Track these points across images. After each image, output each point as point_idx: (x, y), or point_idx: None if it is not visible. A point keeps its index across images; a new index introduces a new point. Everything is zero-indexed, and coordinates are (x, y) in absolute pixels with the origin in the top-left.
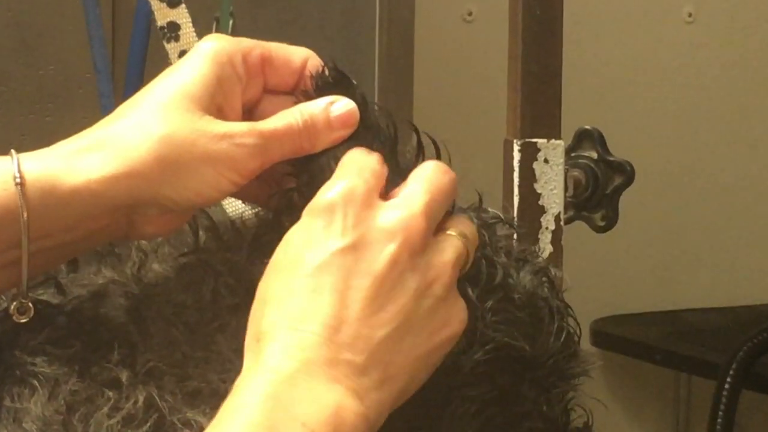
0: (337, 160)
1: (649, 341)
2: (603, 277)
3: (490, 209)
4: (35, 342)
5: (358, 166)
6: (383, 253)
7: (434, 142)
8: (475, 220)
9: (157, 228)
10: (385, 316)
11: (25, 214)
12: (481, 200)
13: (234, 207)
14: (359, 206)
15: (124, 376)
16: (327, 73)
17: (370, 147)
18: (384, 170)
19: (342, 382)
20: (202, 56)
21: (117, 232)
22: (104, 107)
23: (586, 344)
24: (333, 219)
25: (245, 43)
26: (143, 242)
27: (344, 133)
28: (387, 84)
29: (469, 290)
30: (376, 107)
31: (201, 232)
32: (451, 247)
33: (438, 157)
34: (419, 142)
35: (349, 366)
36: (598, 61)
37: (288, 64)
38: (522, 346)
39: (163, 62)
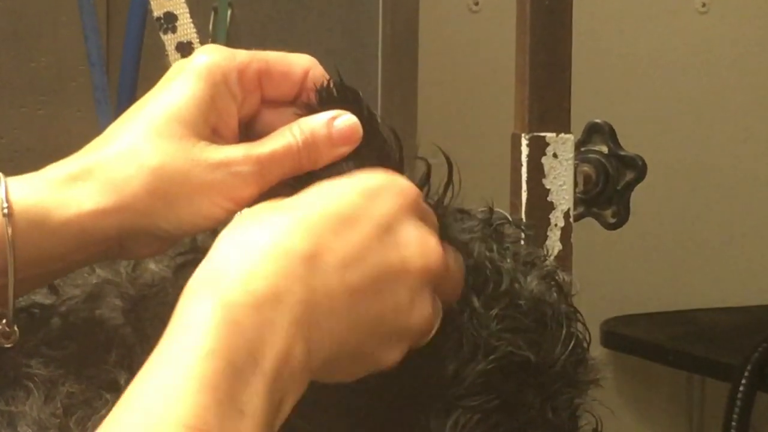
0: (340, 176)
1: (661, 342)
2: (614, 276)
3: (497, 210)
4: (30, 344)
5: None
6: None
7: (447, 159)
8: (480, 216)
9: (150, 251)
10: (369, 299)
11: (12, 246)
12: (492, 208)
13: None
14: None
15: (123, 378)
16: (331, 85)
17: (375, 164)
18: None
19: (302, 325)
20: (195, 75)
21: (108, 256)
22: (98, 100)
23: (596, 345)
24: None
25: (240, 57)
26: None
27: (347, 149)
28: (390, 77)
29: (474, 299)
30: (382, 124)
31: None
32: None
33: (450, 173)
34: (428, 174)
35: (312, 311)
36: (608, 53)
37: (287, 75)
38: (526, 354)
39: (159, 54)
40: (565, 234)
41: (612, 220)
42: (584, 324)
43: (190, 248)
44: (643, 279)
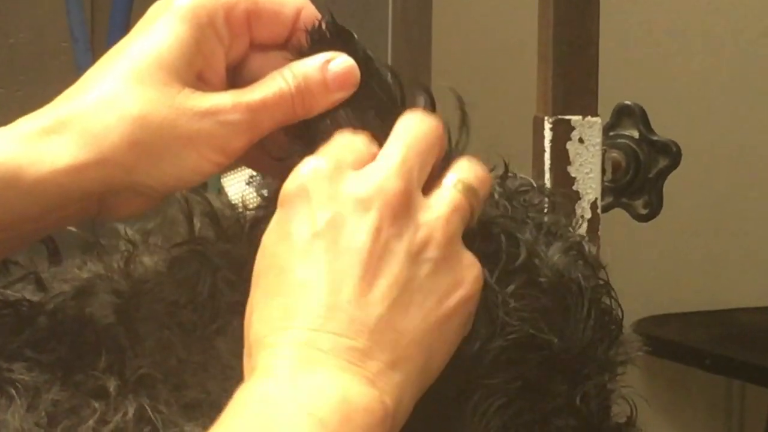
0: (337, 123)
1: (698, 344)
2: (645, 272)
3: (521, 176)
4: (13, 345)
5: (331, 145)
6: (362, 226)
7: (459, 100)
8: (498, 189)
9: (132, 210)
10: (379, 292)
11: None
12: (507, 167)
13: (234, 189)
14: (326, 183)
15: (112, 384)
16: (323, 26)
17: (375, 110)
18: (368, 147)
19: (347, 370)
20: (178, 16)
21: (88, 215)
22: None
23: None
24: (300, 205)
25: None
26: (131, 232)
27: (343, 94)
28: (401, 53)
29: (487, 272)
30: (381, 66)
31: (196, 220)
32: (441, 200)
33: (463, 124)
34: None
35: (352, 352)
36: (639, 28)
37: (278, 16)
38: (548, 337)
39: None
40: (592, 226)
41: (643, 211)
42: (617, 300)
43: (186, 239)
44: (677, 275)
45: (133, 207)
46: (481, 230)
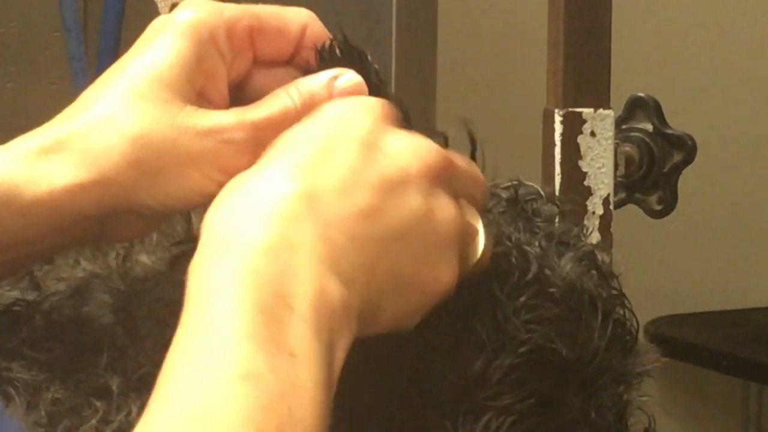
0: None
1: (714, 345)
2: (659, 271)
3: (527, 183)
4: (11, 344)
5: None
6: (399, 159)
7: (470, 134)
8: (504, 194)
9: (133, 232)
10: (384, 215)
11: None
12: (519, 182)
13: None
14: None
15: (115, 383)
16: (334, 45)
17: None
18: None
19: (325, 262)
20: (179, 32)
21: (87, 239)
22: (75, 72)
23: None
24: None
25: (229, 12)
26: None
27: None
28: (406, 44)
29: (496, 288)
30: (390, 92)
31: (194, 217)
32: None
33: (473, 149)
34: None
35: (332, 245)
36: (654, 16)
37: (282, 33)
38: (559, 348)
39: (143, 19)
40: (604, 223)
41: (657, 207)
42: (631, 310)
43: (185, 237)
44: (692, 274)
45: (135, 230)
46: (497, 254)
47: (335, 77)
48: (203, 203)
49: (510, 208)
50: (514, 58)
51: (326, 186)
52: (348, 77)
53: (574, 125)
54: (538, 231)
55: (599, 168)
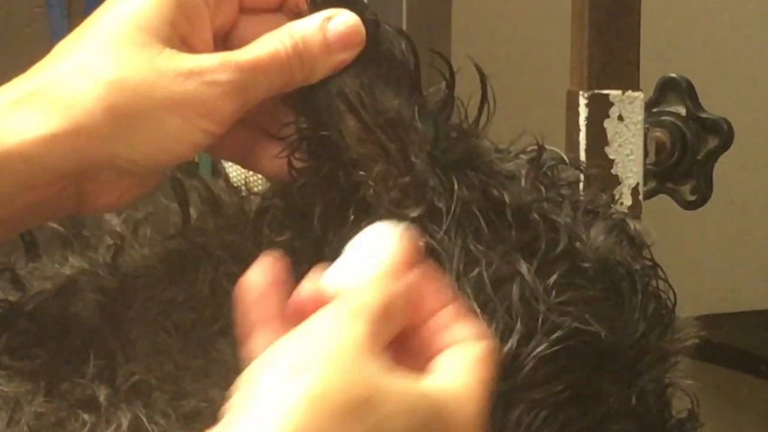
0: (343, 94)
1: (752, 348)
2: (693, 267)
3: (549, 148)
4: None
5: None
6: None
7: (479, 70)
8: (524, 159)
9: (115, 197)
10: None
11: None
12: (539, 146)
13: (236, 170)
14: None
15: (103, 394)
16: None
17: (384, 78)
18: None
19: None
20: None
21: (64, 204)
22: None
23: None
24: None
25: None
26: (117, 223)
27: (347, 55)
28: (418, 20)
29: (524, 264)
30: (389, 29)
31: (192, 207)
32: None
33: (483, 89)
34: (451, 83)
35: None
36: None
37: None
38: (597, 331)
39: None
40: (634, 214)
41: (690, 198)
42: (666, 280)
43: (182, 229)
44: (728, 270)
45: (117, 192)
46: (516, 218)
47: (329, 18)
48: (188, 154)
49: (532, 173)
50: (535, 36)
51: None
52: (343, 18)
53: (600, 108)
54: (562, 199)
55: (627, 155)
